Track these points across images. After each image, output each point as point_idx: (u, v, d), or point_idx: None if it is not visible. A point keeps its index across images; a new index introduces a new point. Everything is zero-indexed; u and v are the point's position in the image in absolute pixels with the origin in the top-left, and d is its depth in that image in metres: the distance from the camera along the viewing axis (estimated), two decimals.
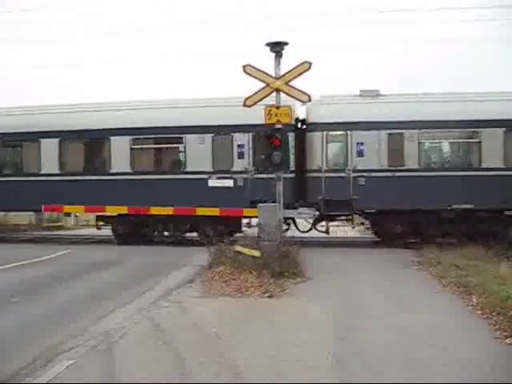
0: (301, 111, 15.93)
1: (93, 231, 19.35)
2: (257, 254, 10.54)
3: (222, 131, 15.86)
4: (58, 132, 16.67)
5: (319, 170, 15.44)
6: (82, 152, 17.30)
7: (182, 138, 16.13)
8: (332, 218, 16.03)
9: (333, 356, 5.76)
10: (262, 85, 11.86)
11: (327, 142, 15.51)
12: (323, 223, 16.18)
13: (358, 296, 8.99)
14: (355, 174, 15.17)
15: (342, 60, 46.15)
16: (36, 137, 16.87)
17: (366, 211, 15.88)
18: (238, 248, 11.10)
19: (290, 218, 15.81)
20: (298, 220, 16.20)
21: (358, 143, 15.30)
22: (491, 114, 14.76)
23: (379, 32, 43.02)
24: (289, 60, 11.82)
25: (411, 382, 5.06)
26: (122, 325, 7.12)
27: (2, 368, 5.60)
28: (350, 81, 41.94)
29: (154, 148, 16.94)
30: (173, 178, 16.13)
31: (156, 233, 16.88)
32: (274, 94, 11.88)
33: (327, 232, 16.01)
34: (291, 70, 11.70)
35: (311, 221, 16.16)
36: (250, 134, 15.64)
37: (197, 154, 15.96)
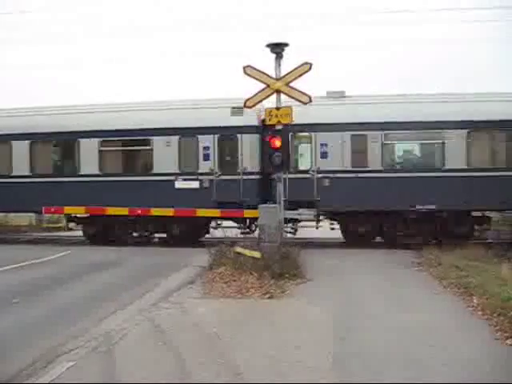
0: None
1: None
2: (257, 255, 10.55)
3: (187, 133, 15.99)
4: (28, 134, 16.88)
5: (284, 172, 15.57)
6: (52, 154, 17.63)
7: (149, 140, 16.27)
8: (294, 219, 15.96)
9: (333, 356, 5.76)
10: (262, 86, 11.86)
11: (292, 144, 15.47)
12: (290, 224, 16.13)
13: (358, 296, 9.00)
14: (319, 175, 15.27)
15: (342, 60, 46.17)
16: (7, 139, 17.08)
17: (332, 212, 15.88)
18: (239, 249, 11.11)
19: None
20: None
21: (322, 144, 15.38)
22: (454, 116, 14.80)
23: (379, 32, 43.12)
24: (289, 60, 11.84)
25: (411, 382, 5.07)
26: (123, 326, 7.14)
27: (2, 368, 5.61)
28: (350, 81, 41.98)
29: (123, 150, 17.06)
30: (140, 179, 16.29)
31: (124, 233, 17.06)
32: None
33: (294, 233, 16.01)
34: (292, 71, 11.70)
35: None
36: (216, 136, 15.81)
37: (164, 156, 16.12)
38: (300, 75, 11.67)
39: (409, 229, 15.47)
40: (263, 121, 15.77)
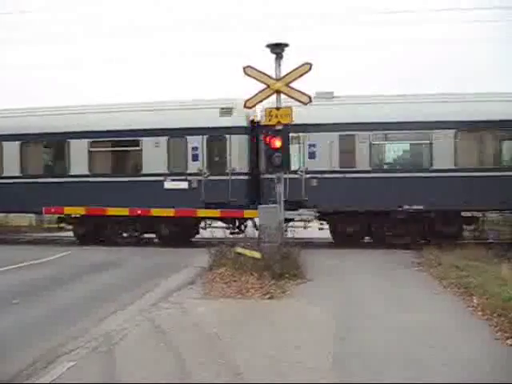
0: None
1: None
2: (257, 255, 10.55)
3: (176, 134, 16.04)
4: (18, 135, 16.97)
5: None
6: (43, 155, 17.76)
7: (138, 140, 16.32)
8: (287, 219, 15.97)
9: (333, 356, 5.77)
10: (263, 86, 11.86)
11: None
12: None
13: (358, 296, 9.00)
14: (307, 176, 15.28)
15: (342, 60, 46.16)
16: None
17: (321, 212, 15.81)
18: (239, 249, 11.11)
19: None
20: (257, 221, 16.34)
21: (310, 145, 15.41)
22: (442, 116, 14.81)
23: (379, 32, 43.10)
24: (289, 60, 11.84)
25: (411, 382, 5.08)
26: (123, 326, 7.14)
27: (3, 369, 5.62)
28: (350, 81, 41.97)
29: (112, 151, 17.13)
30: (130, 180, 16.35)
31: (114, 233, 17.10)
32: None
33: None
34: (292, 72, 11.70)
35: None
36: (204, 137, 15.86)
37: (153, 157, 16.18)
38: (300, 75, 11.68)
39: (397, 229, 15.50)
40: (252, 121, 16.00)
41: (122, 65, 54.93)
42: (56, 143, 17.25)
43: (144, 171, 16.30)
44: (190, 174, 15.91)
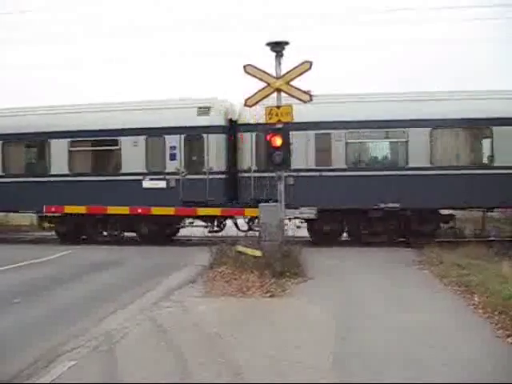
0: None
1: None
2: (258, 253, 10.56)
3: (154, 133, 16.08)
4: (0, 135, 17.08)
5: (249, 171, 15.68)
6: (24, 154, 17.86)
7: (117, 140, 16.38)
8: None
9: (333, 356, 5.76)
10: (263, 85, 11.84)
11: (257, 143, 15.64)
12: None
13: (359, 296, 8.99)
14: (284, 174, 15.23)
15: (342, 60, 46.02)
16: None
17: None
18: (240, 248, 11.12)
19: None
20: (239, 221, 16.46)
21: None
22: (417, 114, 14.80)
23: (379, 32, 42.91)
24: (289, 60, 11.81)
25: (411, 382, 5.07)
26: (124, 325, 7.15)
27: (3, 369, 5.62)
28: (350, 81, 41.83)
29: (92, 150, 17.18)
30: (109, 179, 16.42)
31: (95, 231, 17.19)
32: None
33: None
34: (292, 70, 11.69)
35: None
36: (182, 136, 15.90)
37: (131, 156, 16.24)
38: (300, 74, 11.67)
39: (373, 227, 15.51)
40: (230, 120, 16.04)
41: (122, 65, 54.79)
42: (37, 143, 17.39)
43: (123, 170, 16.39)
44: (168, 174, 15.99)
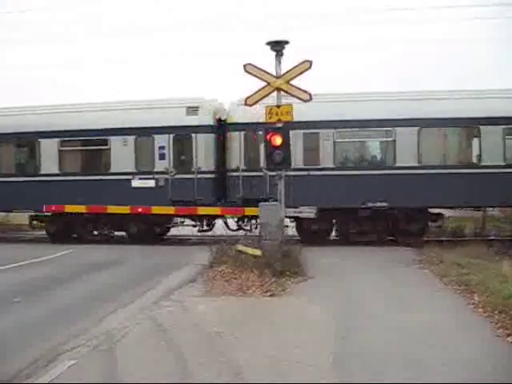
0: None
1: None
2: (258, 253, 10.56)
3: (143, 133, 16.12)
4: None
5: (237, 170, 15.72)
6: (15, 154, 17.82)
7: (106, 139, 16.43)
8: (254, 217, 15.81)
9: (333, 356, 5.76)
10: (263, 84, 11.83)
11: (246, 143, 15.69)
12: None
13: (359, 296, 8.98)
14: (272, 173, 15.26)
15: (342, 60, 45.95)
16: None
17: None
18: (240, 247, 11.13)
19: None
20: (229, 220, 16.52)
21: None
22: (405, 113, 14.81)
23: (379, 32, 42.81)
24: (289, 60, 11.79)
25: (411, 382, 5.07)
26: (124, 325, 7.15)
27: (3, 368, 5.62)
28: (350, 81, 41.78)
29: (82, 150, 17.25)
30: (99, 178, 16.45)
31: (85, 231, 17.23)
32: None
33: (251, 230, 16.00)
34: (292, 69, 11.66)
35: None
36: (171, 136, 15.95)
37: (121, 156, 16.30)
38: (300, 73, 11.65)
39: (362, 226, 15.54)
40: (219, 120, 16.07)
41: (122, 65, 54.73)
42: (27, 142, 17.44)
43: (112, 170, 16.43)
44: (157, 173, 16.03)
